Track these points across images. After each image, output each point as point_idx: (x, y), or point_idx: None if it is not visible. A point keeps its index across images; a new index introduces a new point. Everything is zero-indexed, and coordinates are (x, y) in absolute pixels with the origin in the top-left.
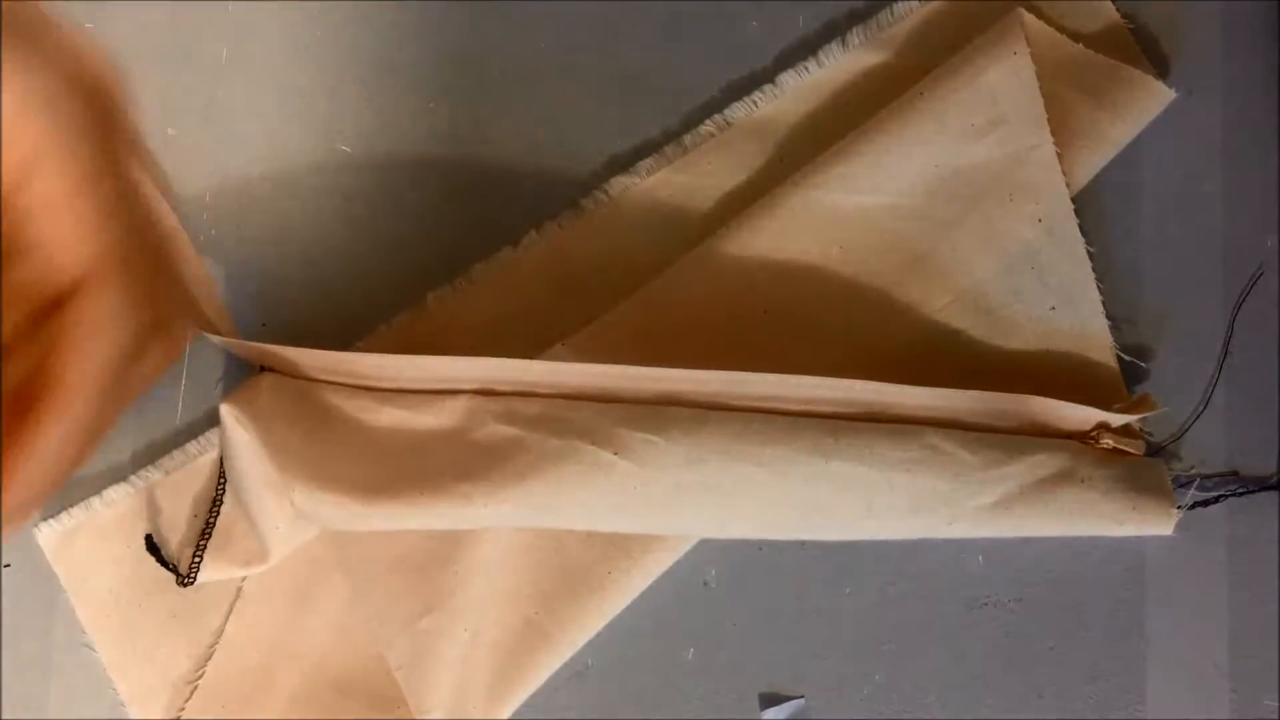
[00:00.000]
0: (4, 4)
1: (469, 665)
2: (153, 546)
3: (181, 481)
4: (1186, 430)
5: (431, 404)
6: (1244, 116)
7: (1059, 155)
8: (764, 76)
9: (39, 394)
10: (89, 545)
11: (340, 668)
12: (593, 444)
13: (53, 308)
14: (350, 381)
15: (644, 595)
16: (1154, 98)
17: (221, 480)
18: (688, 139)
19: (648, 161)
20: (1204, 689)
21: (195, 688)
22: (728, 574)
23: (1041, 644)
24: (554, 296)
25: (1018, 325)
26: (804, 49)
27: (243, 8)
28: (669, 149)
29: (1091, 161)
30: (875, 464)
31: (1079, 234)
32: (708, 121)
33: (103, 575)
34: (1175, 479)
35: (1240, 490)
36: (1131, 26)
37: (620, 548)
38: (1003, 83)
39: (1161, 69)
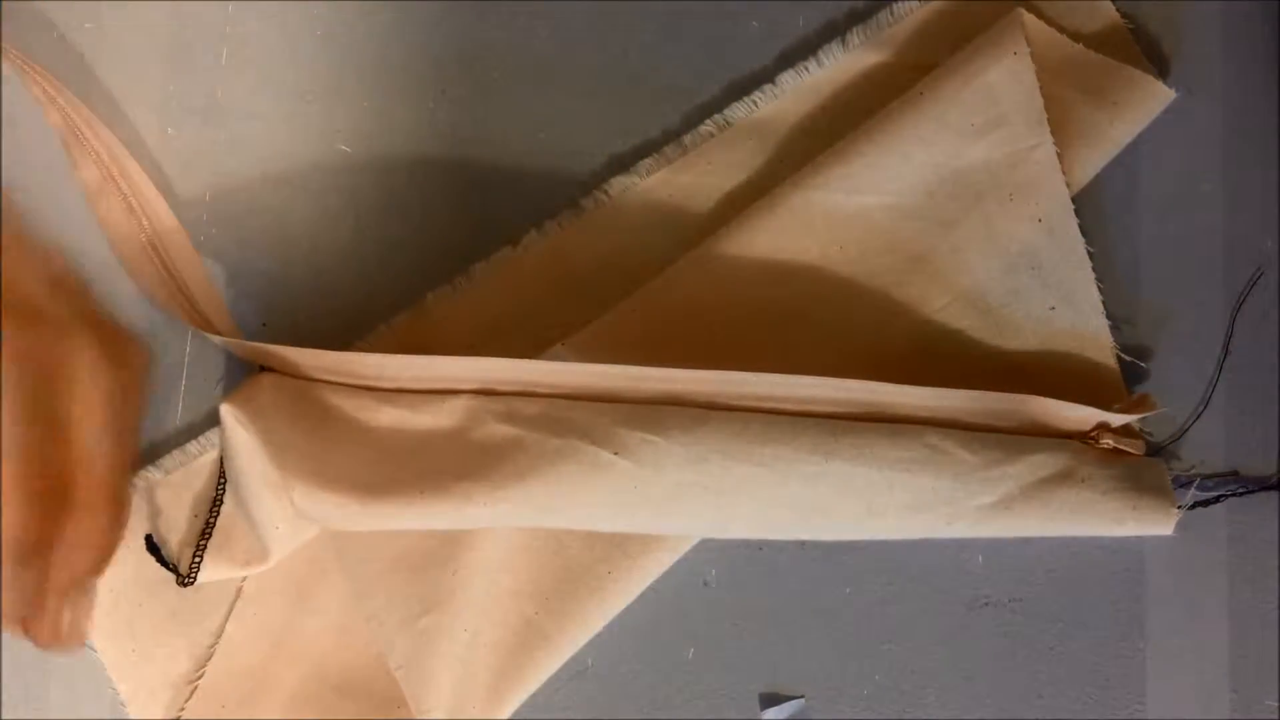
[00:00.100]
0: None
1: (469, 665)
2: (153, 546)
3: (181, 481)
4: (1186, 430)
5: (431, 404)
6: (1244, 116)
7: (1059, 155)
8: (764, 76)
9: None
10: None
11: (340, 668)
12: (592, 444)
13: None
14: (350, 381)
15: (644, 595)
16: (1154, 98)
17: (221, 480)
18: (688, 139)
19: (648, 161)
20: (1204, 689)
21: (195, 688)
22: (728, 574)
23: (1041, 644)
24: (554, 296)
25: (1018, 325)
26: (804, 49)
27: (243, 8)
28: (669, 149)
29: (1091, 161)
30: (875, 464)
31: (1079, 234)
32: (708, 121)
33: (102, 575)
34: (1175, 479)
35: (1240, 490)
36: (1131, 26)
37: (620, 548)
38: (1003, 83)
39: (1161, 69)
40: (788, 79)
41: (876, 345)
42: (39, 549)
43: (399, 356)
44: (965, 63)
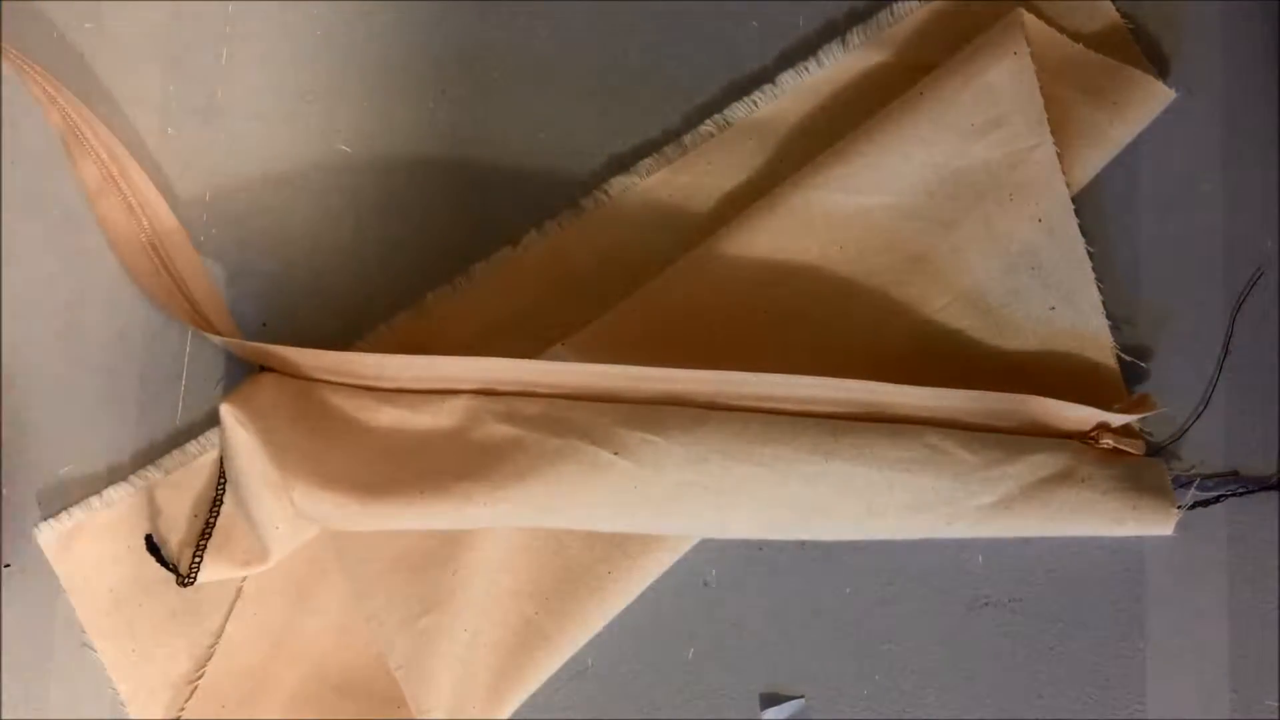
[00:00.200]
0: None
1: (469, 665)
2: (153, 546)
3: (181, 481)
4: (1186, 430)
5: (431, 404)
6: (1244, 116)
7: (1059, 155)
8: (764, 76)
9: None
10: (89, 545)
11: (340, 668)
12: (592, 443)
13: None
14: (350, 381)
15: (644, 595)
16: (1154, 98)
17: (221, 480)
18: (688, 139)
19: (648, 161)
20: (1204, 689)
21: (195, 688)
22: (728, 574)
23: (1041, 644)
24: (554, 296)
25: (1018, 325)
26: (804, 49)
27: (243, 8)
28: (669, 149)
29: (1091, 161)
30: (875, 464)
31: (1079, 234)
32: (708, 121)
33: (103, 575)
34: (1175, 479)
35: (1240, 490)
36: (1131, 26)
37: (620, 548)
38: (1003, 83)
39: (1161, 69)
40: (788, 79)
41: (876, 345)
42: None
43: (399, 356)
44: (965, 63)
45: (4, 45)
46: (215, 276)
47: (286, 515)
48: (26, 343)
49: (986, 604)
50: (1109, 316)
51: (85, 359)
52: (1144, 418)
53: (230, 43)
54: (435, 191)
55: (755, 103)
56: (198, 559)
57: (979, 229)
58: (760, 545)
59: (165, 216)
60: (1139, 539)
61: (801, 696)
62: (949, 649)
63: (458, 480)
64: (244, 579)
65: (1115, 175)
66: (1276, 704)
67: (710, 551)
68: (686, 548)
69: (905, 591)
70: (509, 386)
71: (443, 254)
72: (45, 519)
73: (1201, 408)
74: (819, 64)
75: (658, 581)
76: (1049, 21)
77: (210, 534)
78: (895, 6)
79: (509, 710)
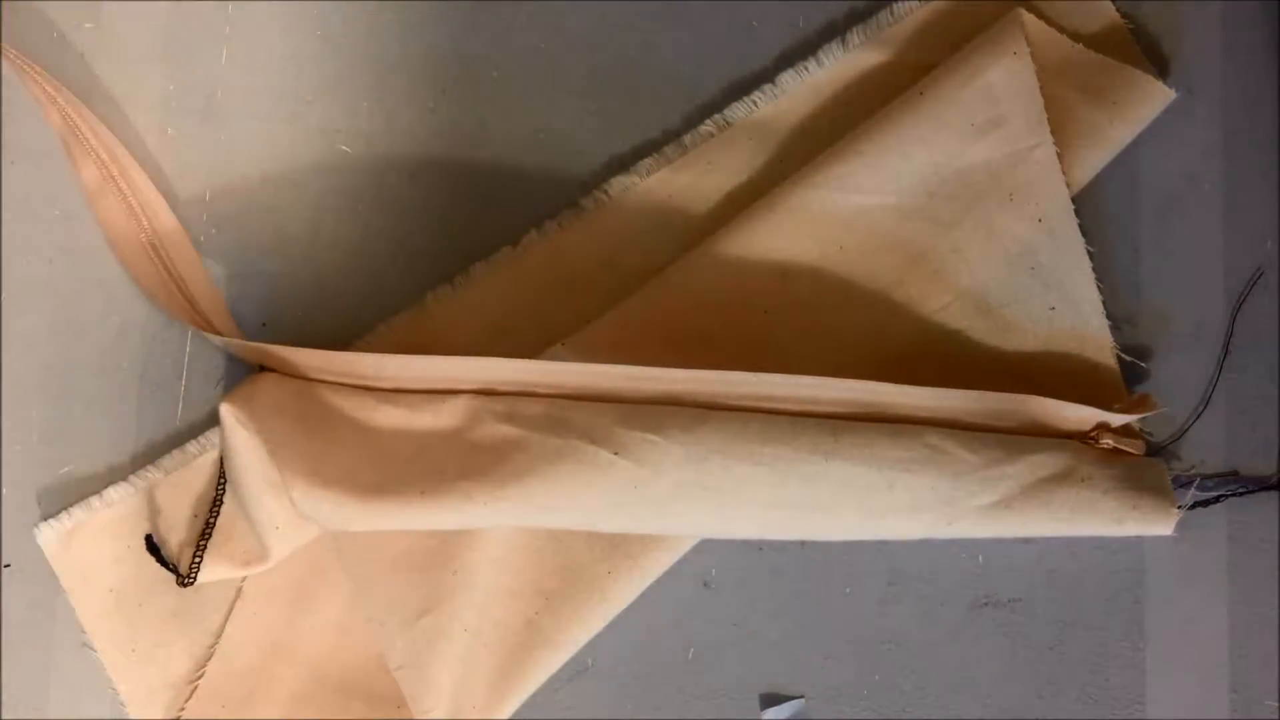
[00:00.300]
0: None
1: (469, 665)
2: (153, 546)
3: (181, 481)
4: (1186, 430)
5: (432, 403)
6: (1244, 117)
7: (1059, 155)
8: (764, 76)
9: None
10: (89, 545)
11: (340, 668)
12: (592, 443)
13: None
14: (350, 381)
15: (644, 595)
16: (1154, 98)
17: (221, 480)
18: (688, 139)
19: (648, 161)
20: (1204, 689)
21: (195, 688)
22: (728, 574)
23: (1041, 644)
24: (554, 296)
25: (1018, 325)
26: (804, 49)
27: (243, 8)
28: (669, 149)
29: (1091, 161)
30: (875, 464)
31: (1079, 234)
32: (708, 121)
33: (103, 575)
34: (1175, 479)
35: (1240, 490)
36: (1131, 26)
37: (620, 548)
38: (1003, 83)
39: (1161, 69)
40: (788, 79)
41: (876, 345)
42: None
43: (399, 356)
44: (965, 63)
45: (4, 45)
46: (215, 276)
47: (286, 515)
48: (27, 342)
49: (986, 604)
50: (1109, 316)
51: (85, 359)
52: (1144, 418)
53: (230, 43)
54: (435, 191)
55: (755, 103)
56: (198, 559)
57: (979, 229)
58: (760, 545)
59: (165, 217)
60: (1139, 539)
61: (801, 696)
62: (949, 649)
63: (458, 480)
64: (244, 579)
65: (1115, 175)
66: (1276, 704)
67: (710, 551)
68: (686, 548)
69: (905, 591)
70: (509, 386)
71: (442, 254)
72: (45, 519)
73: (1201, 408)
74: (819, 64)
75: (658, 581)
76: (1049, 21)
77: (210, 534)
78: (895, 6)
79: (509, 710)
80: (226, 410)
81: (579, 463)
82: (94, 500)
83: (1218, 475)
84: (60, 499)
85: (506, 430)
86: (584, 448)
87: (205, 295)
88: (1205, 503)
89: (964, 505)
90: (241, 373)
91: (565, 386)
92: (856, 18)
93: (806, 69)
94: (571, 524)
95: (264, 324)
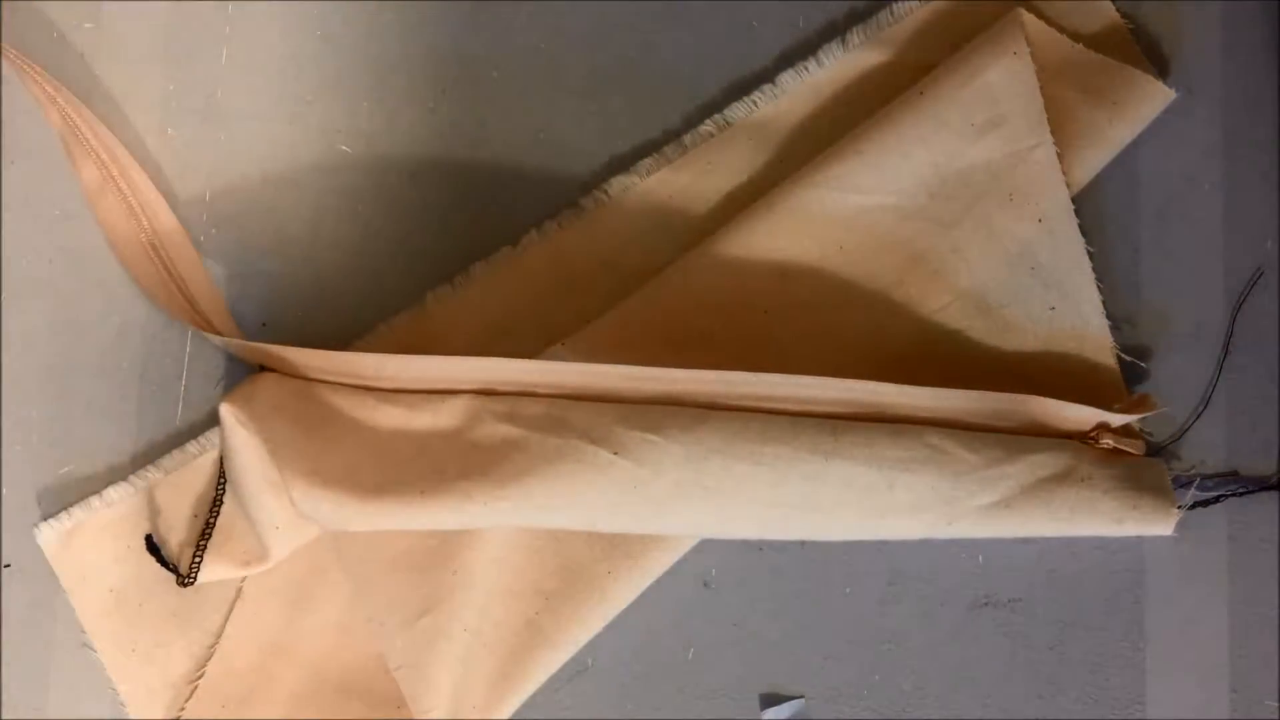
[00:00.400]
0: None
1: (469, 665)
2: (153, 546)
3: (181, 481)
4: (1186, 430)
5: (431, 403)
6: (1244, 117)
7: (1059, 155)
8: (764, 76)
9: None
10: (89, 545)
11: (340, 668)
12: (592, 443)
13: None
14: (350, 381)
15: (644, 595)
16: (1154, 98)
17: (221, 480)
18: (688, 139)
19: (648, 161)
20: (1204, 689)
21: (195, 688)
22: (728, 574)
23: (1041, 644)
24: (554, 296)
25: (1018, 325)
26: (804, 49)
27: (243, 8)
28: (669, 149)
29: (1091, 161)
30: (876, 464)
31: (1079, 234)
32: (708, 121)
33: (103, 575)
34: (1175, 479)
35: (1240, 490)
36: (1131, 26)
37: (620, 548)
38: (1003, 82)
39: (1161, 69)
40: (788, 79)
41: (876, 345)
42: None
43: (399, 356)
44: (965, 62)
45: (4, 45)
46: (215, 276)
47: (286, 515)
48: (27, 342)
49: (986, 604)
50: (1109, 316)
51: (85, 359)
52: (1144, 418)
53: (230, 43)
54: (435, 191)
55: (755, 103)
56: (198, 559)
57: (979, 229)
58: (760, 545)
59: (165, 217)
60: (1139, 539)
61: (801, 696)
62: (949, 649)
63: (458, 480)
64: (244, 579)
65: (1115, 175)
66: (1276, 704)
67: (710, 551)
68: (686, 548)
69: (905, 591)
70: (509, 386)
71: (443, 254)
72: (45, 519)
73: (1201, 408)
74: (819, 64)
75: (658, 581)
76: (1049, 21)
77: (210, 534)
78: (895, 6)
79: (509, 710)
80: (226, 410)
81: (579, 462)
82: (94, 500)
83: (1218, 475)
84: (60, 499)
85: (506, 430)
86: (584, 447)
87: (205, 295)
88: (1205, 503)
89: (964, 505)
90: (241, 373)
91: (565, 386)
92: (856, 18)
93: (806, 69)
94: (571, 524)
95: (264, 324)
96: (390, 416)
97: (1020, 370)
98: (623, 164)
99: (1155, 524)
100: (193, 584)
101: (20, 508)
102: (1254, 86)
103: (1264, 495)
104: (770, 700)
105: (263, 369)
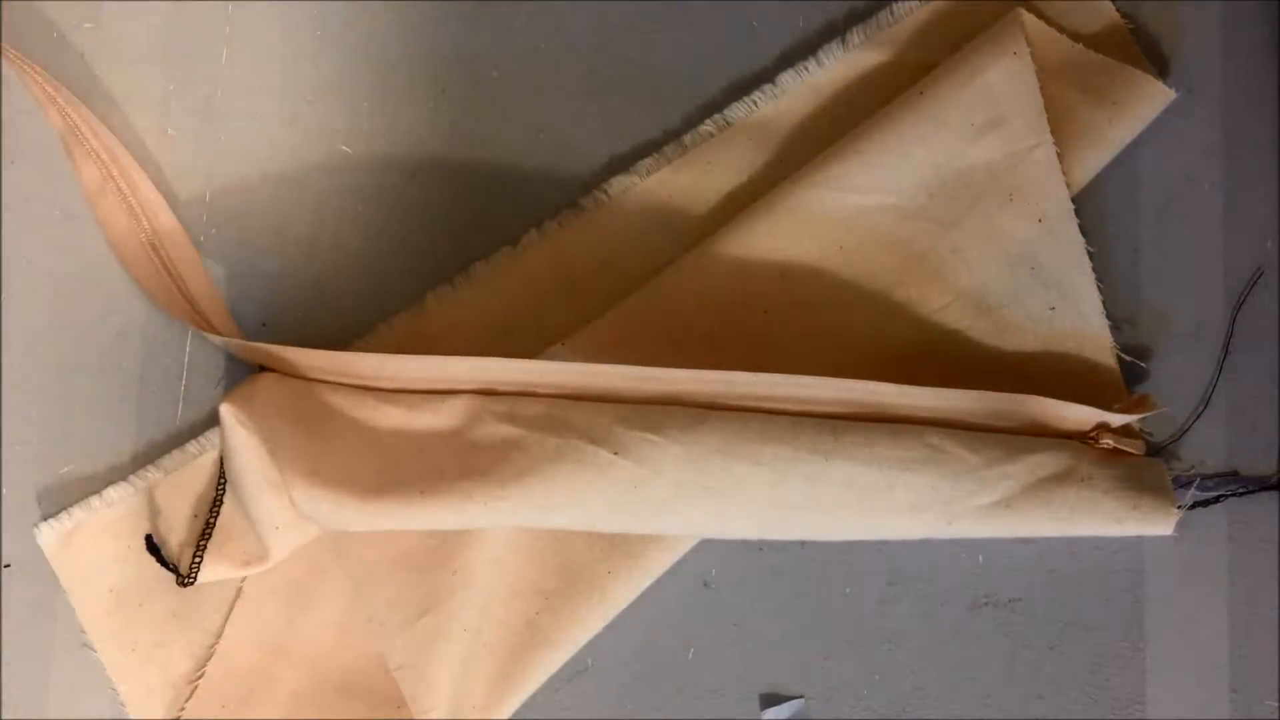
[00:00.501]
0: None
1: (469, 665)
2: (153, 546)
3: (181, 481)
4: (1186, 430)
5: (431, 403)
6: (1244, 116)
7: (1059, 155)
8: (764, 76)
9: None
10: (89, 545)
11: (340, 668)
12: (592, 443)
13: None
14: (350, 381)
15: (644, 595)
16: (1154, 98)
17: (221, 480)
18: (688, 139)
19: (648, 161)
20: (1204, 689)
21: (195, 688)
22: (728, 574)
23: (1041, 644)
24: (554, 296)
25: (1018, 325)
26: (804, 49)
27: (243, 8)
28: (669, 149)
29: (1091, 161)
30: (876, 464)
31: (1079, 234)
32: (708, 121)
33: (103, 575)
34: (1175, 479)
35: (1240, 490)
36: (1131, 26)
37: (620, 548)
38: (1002, 82)
39: (1161, 69)
40: (788, 79)
41: (876, 345)
42: None
43: (399, 356)
44: (965, 62)
45: (4, 45)
46: (215, 276)
47: (286, 515)
48: (27, 342)
49: (986, 604)
50: (1109, 316)
51: (85, 359)
52: (1144, 418)
53: (230, 43)
54: (435, 191)
55: (755, 103)
56: (198, 559)
57: (979, 229)
58: (760, 545)
59: (165, 217)
60: (1139, 539)
61: (801, 696)
62: (949, 649)
63: (458, 480)
64: (244, 579)
65: (1115, 175)
66: (1276, 704)
67: (710, 551)
68: (686, 548)
69: (905, 591)
70: (509, 386)
71: (443, 254)
72: (45, 519)
73: (1201, 408)
74: (819, 64)
75: (658, 581)
76: (1049, 21)
77: (210, 534)
78: (895, 6)
79: (509, 710)
80: (226, 410)
81: (579, 463)
82: (94, 500)
83: (1218, 475)
84: (60, 499)
85: (506, 430)
86: (584, 447)
87: (205, 295)
88: (1205, 503)
89: (964, 505)
90: (241, 373)
91: (565, 386)
92: (856, 18)
93: (806, 69)
94: (571, 524)
95: (264, 324)
96: (390, 416)
97: (1020, 370)
98: (623, 164)
99: (1155, 524)
100: (193, 584)
101: (20, 508)
102: (1254, 86)
103: (1264, 495)
104: (770, 700)
105: (263, 369)
